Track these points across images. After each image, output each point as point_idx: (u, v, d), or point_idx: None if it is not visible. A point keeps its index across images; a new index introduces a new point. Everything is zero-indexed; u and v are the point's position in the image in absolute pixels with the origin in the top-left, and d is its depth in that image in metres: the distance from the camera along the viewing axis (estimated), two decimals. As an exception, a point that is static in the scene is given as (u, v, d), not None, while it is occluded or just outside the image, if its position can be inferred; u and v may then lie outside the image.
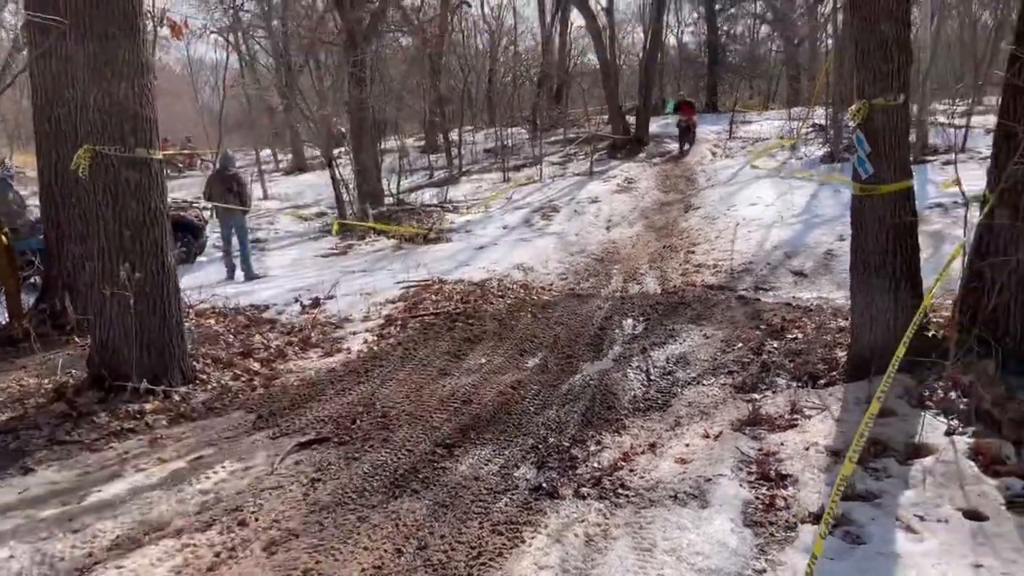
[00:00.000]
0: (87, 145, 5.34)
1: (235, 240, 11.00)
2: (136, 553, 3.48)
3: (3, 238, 7.01)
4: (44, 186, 7.37)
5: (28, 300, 7.54)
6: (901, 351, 3.75)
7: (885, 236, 4.62)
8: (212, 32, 23.55)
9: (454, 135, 21.25)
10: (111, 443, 4.83)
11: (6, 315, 7.35)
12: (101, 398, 5.34)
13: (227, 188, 10.87)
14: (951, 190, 10.47)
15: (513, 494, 3.94)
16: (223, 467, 4.36)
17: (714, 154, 17.92)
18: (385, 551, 3.41)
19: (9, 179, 11.22)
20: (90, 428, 4.99)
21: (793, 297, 7.42)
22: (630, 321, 7.03)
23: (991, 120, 13.95)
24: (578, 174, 17.53)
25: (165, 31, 12.41)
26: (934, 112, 15.56)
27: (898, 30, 4.46)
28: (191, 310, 7.79)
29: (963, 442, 3.86)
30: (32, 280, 8.20)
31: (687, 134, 19.19)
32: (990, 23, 18.66)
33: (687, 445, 4.37)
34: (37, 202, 8.06)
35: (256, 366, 6.16)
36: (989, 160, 4.40)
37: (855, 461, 3.23)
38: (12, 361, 6.48)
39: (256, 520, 3.73)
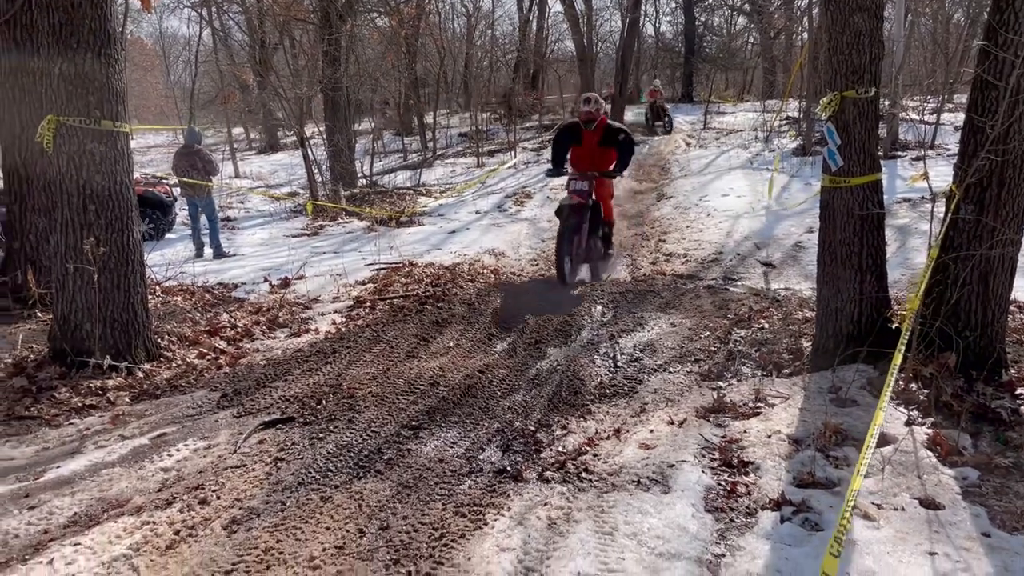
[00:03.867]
0: (51, 116, 5.22)
1: (203, 218, 10.86)
2: (94, 530, 3.43)
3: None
4: (7, 157, 7.19)
5: (-12, 274, 7.38)
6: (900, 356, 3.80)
7: (852, 228, 4.69)
8: (186, 6, 23.16)
9: (428, 118, 21.13)
10: (72, 419, 4.76)
11: (-35, 288, 7.21)
12: (62, 373, 5.25)
13: (191, 165, 10.70)
14: (919, 185, 10.66)
15: (477, 477, 3.95)
16: (185, 445, 4.32)
17: (688, 144, 18.01)
18: (347, 531, 3.40)
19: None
20: (50, 404, 4.91)
21: (761, 287, 7.50)
22: (599, 308, 7.06)
23: (961, 118, 14.24)
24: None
25: (135, 2, 12.16)
26: (905, 108, 15.78)
27: (871, 23, 4.50)
28: (158, 287, 7.69)
29: (922, 432, 3.94)
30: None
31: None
32: (963, 21, 18.94)
33: (652, 431, 4.40)
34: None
35: (222, 344, 6.10)
36: (957, 156, 4.47)
37: (863, 473, 3.27)
38: (-30, 335, 6.35)
39: (217, 499, 3.70)
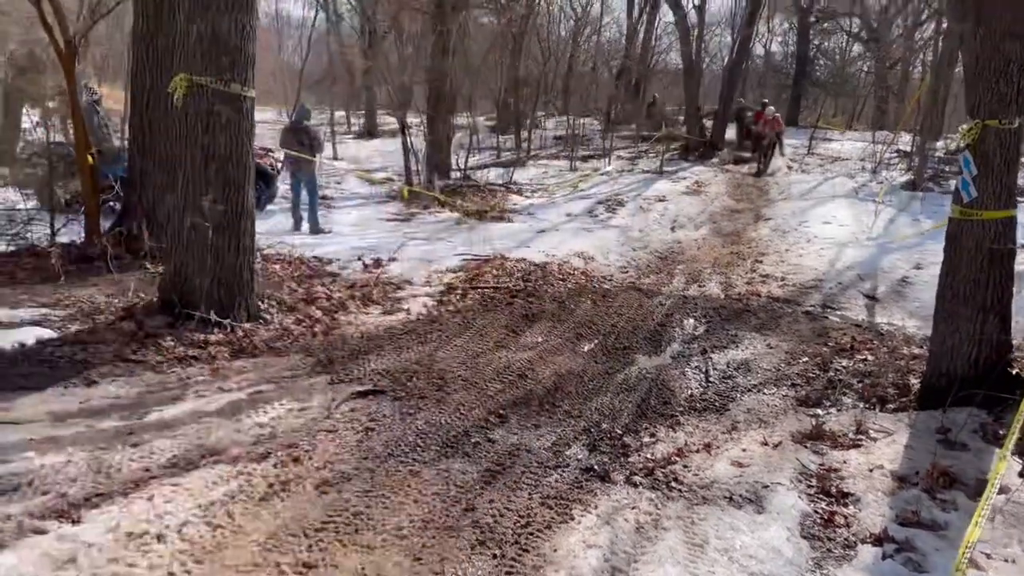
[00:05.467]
0: (184, 74, 5.42)
1: (304, 193, 11.14)
2: (192, 474, 3.54)
3: (90, 158, 7.20)
4: (135, 113, 7.54)
5: (105, 225, 7.74)
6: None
7: (979, 264, 4.45)
8: (303, -10, 23.86)
9: (526, 118, 21.19)
10: (174, 367, 4.94)
11: (83, 234, 7.56)
12: (169, 323, 5.45)
13: (299, 141, 10.98)
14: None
15: (564, 471, 3.91)
16: (280, 404, 4.42)
17: (790, 168, 17.52)
18: (434, 506, 3.41)
19: (96, 104, 11.52)
20: (155, 350, 5.10)
21: (863, 319, 7.21)
22: (691, 321, 6.92)
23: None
24: (647, 171, 17.30)
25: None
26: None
27: (1022, 51, 4.26)
28: (259, 253, 7.91)
29: (1038, 485, 3.70)
30: (111, 205, 8.40)
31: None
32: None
33: (744, 450, 4.27)
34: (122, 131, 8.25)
35: (318, 314, 6.22)
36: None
37: (981, 524, 3.11)
38: (85, 278, 6.65)
39: (310, 459, 3.77)
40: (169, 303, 5.60)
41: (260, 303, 6.04)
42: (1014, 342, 4.77)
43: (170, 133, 5.54)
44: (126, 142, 8.77)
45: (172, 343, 5.23)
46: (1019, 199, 4.79)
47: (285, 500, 3.37)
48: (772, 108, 18.34)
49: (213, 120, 5.45)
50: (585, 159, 19.36)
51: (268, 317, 5.93)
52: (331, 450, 3.89)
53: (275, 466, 3.66)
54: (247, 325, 5.67)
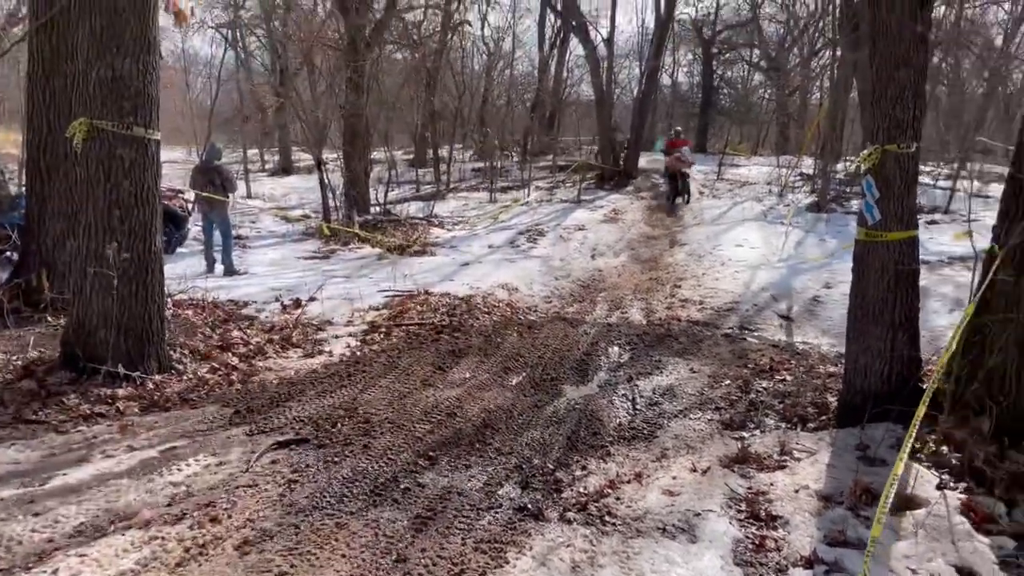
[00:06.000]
0: (84, 118, 5.19)
1: (217, 234, 10.81)
2: (100, 542, 3.31)
3: (-18, 207, 6.80)
4: (31, 158, 7.16)
5: (2, 276, 7.30)
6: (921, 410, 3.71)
7: (887, 284, 4.62)
8: (210, 27, 23.43)
9: (444, 151, 21.22)
10: (79, 426, 4.65)
11: (-24, 287, 7.12)
12: (72, 379, 5.15)
13: (209, 180, 10.67)
14: (940, 247, 10.67)
15: (497, 512, 3.83)
16: (196, 460, 4.20)
17: (702, 193, 18.04)
18: (363, 560, 3.28)
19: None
20: (59, 409, 4.80)
21: (780, 339, 7.42)
22: (616, 349, 6.97)
23: (976, 186, 14.25)
24: (565, 201, 17.53)
25: (165, 18, 12.24)
26: (921, 172, 15.84)
27: (916, 78, 4.49)
28: (170, 299, 7.59)
29: (955, 498, 3.82)
30: (8, 255, 7.94)
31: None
32: (979, 91, 19.13)
33: (674, 477, 4.28)
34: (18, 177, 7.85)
35: (234, 361, 5.99)
36: (995, 217, 4.41)
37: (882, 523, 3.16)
38: (-21, 334, 6.24)
39: (229, 518, 3.58)
40: (72, 358, 5.29)
41: (172, 352, 5.78)
42: (923, 357, 4.96)
43: (70, 178, 5.27)
44: (23, 188, 8.33)
45: (77, 400, 4.93)
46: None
47: (203, 564, 3.18)
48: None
49: (116, 165, 5.23)
50: (505, 190, 19.50)
51: (181, 367, 5.67)
52: (252, 506, 3.70)
53: (191, 528, 3.46)
54: (158, 377, 5.40)
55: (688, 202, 16.63)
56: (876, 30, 4.60)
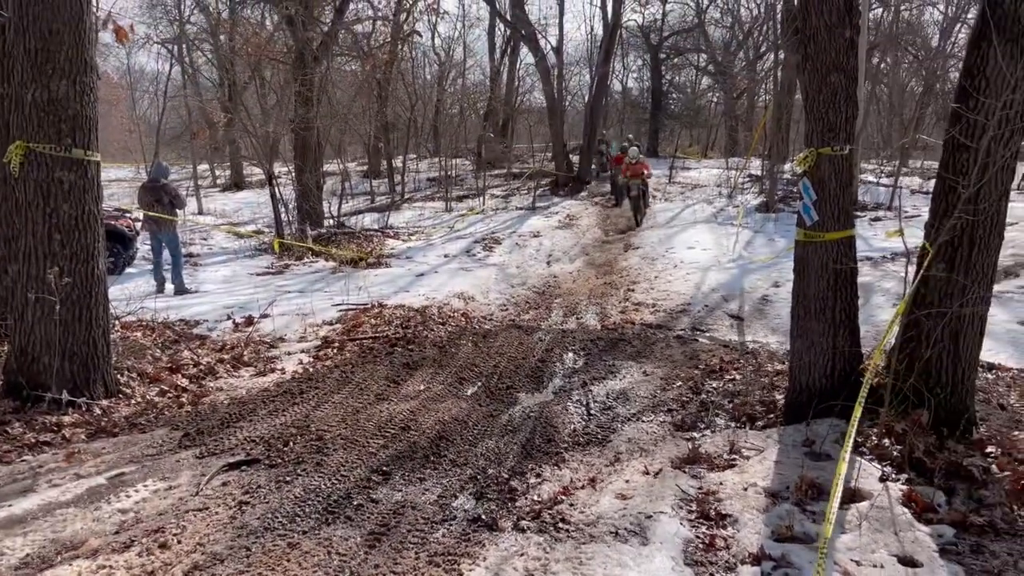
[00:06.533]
0: (20, 141, 5.09)
1: (166, 253, 10.64)
2: (47, 573, 3.24)
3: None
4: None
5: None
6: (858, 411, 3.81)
7: (827, 283, 4.74)
8: (155, 43, 23.07)
9: (398, 162, 21.18)
10: (24, 456, 4.55)
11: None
12: (16, 408, 5.03)
13: (156, 199, 10.51)
14: (886, 244, 10.95)
15: (451, 524, 3.84)
16: (145, 486, 4.13)
17: (654, 197, 18.29)
18: (317, 579, 3.26)
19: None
20: (2, 439, 4.68)
21: (730, 339, 7.56)
22: (570, 355, 7.03)
23: (917, 182, 14.68)
24: (520, 208, 17.65)
25: (107, 36, 12.05)
26: (863, 171, 16.28)
27: (847, 83, 4.63)
28: (117, 322, 7.46)
29: (896, 489, 3.94)
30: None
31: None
32: (917, 90, 19.71)
33: (627, 481, 4.34)
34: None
35: (184, 382, 5.91)
36: (927, 214, 4.56)
37: (832, 521, 3.24)
38: (-84, 365, 6.05)
39: (179, 543, 3.53)
40: (15, 386, 5.17)
41: (119, 376, 5.68)
42: (864, 352, 5.10)
43: (8, 203, 5.16)
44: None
45: (21, 429, 4.82)
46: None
47: (152, 592, 3.14)
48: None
49: (55, 188, 5.14)
50: (460, 199, 19.54)
51: (129, 391, 5.58)
52: (202, 530, 3.66)
53: (140, 555, 3.41)
54: (105, 402, 5.31)
55: (646, 210, 15.96)
56: (807, 35, 4.73)
